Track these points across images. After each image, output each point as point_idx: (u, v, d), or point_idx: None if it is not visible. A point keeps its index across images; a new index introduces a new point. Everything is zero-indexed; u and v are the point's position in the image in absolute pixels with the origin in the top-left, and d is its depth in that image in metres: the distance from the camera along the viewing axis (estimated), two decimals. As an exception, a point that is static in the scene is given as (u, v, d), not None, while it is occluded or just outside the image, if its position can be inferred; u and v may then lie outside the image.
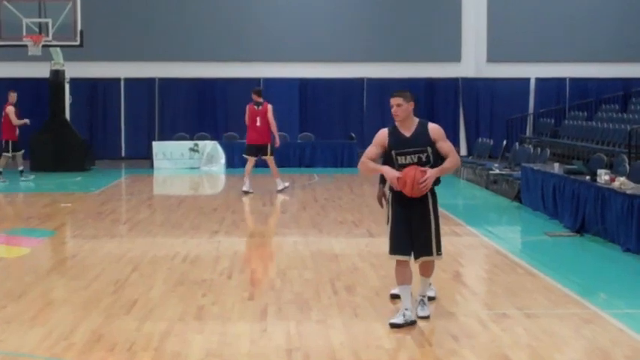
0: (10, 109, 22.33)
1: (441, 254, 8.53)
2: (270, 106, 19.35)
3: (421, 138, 8.33)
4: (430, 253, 8.48)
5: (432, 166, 8.30)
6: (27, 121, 22.61)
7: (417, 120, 8.42)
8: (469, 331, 8.27)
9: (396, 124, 8.42)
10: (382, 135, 8.46)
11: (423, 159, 8.31)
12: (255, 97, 19.51)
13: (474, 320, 8.64)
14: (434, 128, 8.39)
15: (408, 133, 8.36)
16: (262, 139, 19.36)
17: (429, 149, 8.31)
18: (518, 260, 11.84)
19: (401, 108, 8.30)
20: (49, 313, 8.99)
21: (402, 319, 8.34)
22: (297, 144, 27.03)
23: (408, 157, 8.31)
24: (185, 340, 7.94)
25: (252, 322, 8.55)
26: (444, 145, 8.38)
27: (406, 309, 8.41)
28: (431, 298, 9.30)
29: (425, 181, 8.14)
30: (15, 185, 21.72)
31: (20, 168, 22.63)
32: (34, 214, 16.52)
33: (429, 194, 8.38)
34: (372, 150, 8.49)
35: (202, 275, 10.85)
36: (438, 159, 8.37)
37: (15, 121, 22.25)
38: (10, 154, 22.33)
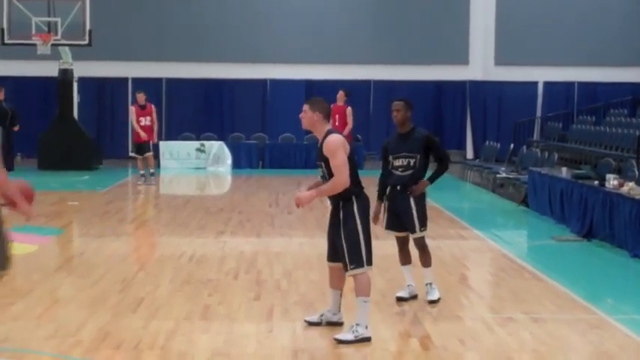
0: (131, 110, 21.85)
1: (355, 268, 8.02)
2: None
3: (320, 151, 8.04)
4: (345, 267, 8.07)
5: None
6: (143, 134, 21.30)
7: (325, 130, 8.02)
8: (475, 334, 8.26)
9: None
10: None
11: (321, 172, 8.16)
12: None
13: (480, 323, 8.64)
14: (326, 143, 7.94)
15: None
16: None
17: (323, 164, 8.02)
18: (524, 264, 11.81)
19: (304, 115, 8.02)
20: (57, 310, 9.02)
21: (317, 318, 8.48)
22: (304, 145, 27.00)
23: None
24: (191, 339, 7.95)
25: (258, 323, 8.56)
26: (332, 163, 7.86)
27: (327, 310, 8.49)
28: (435, 301, 9.30)
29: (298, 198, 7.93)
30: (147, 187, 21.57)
31: (151, 170, 21.88)
32: (42, 211, 16.50)
33: (340, 204, 8.03)
34: None
35: (208, 275, 10.87)
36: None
37: (134, 122, 21.56)
38: (139, 156, 21.67)
